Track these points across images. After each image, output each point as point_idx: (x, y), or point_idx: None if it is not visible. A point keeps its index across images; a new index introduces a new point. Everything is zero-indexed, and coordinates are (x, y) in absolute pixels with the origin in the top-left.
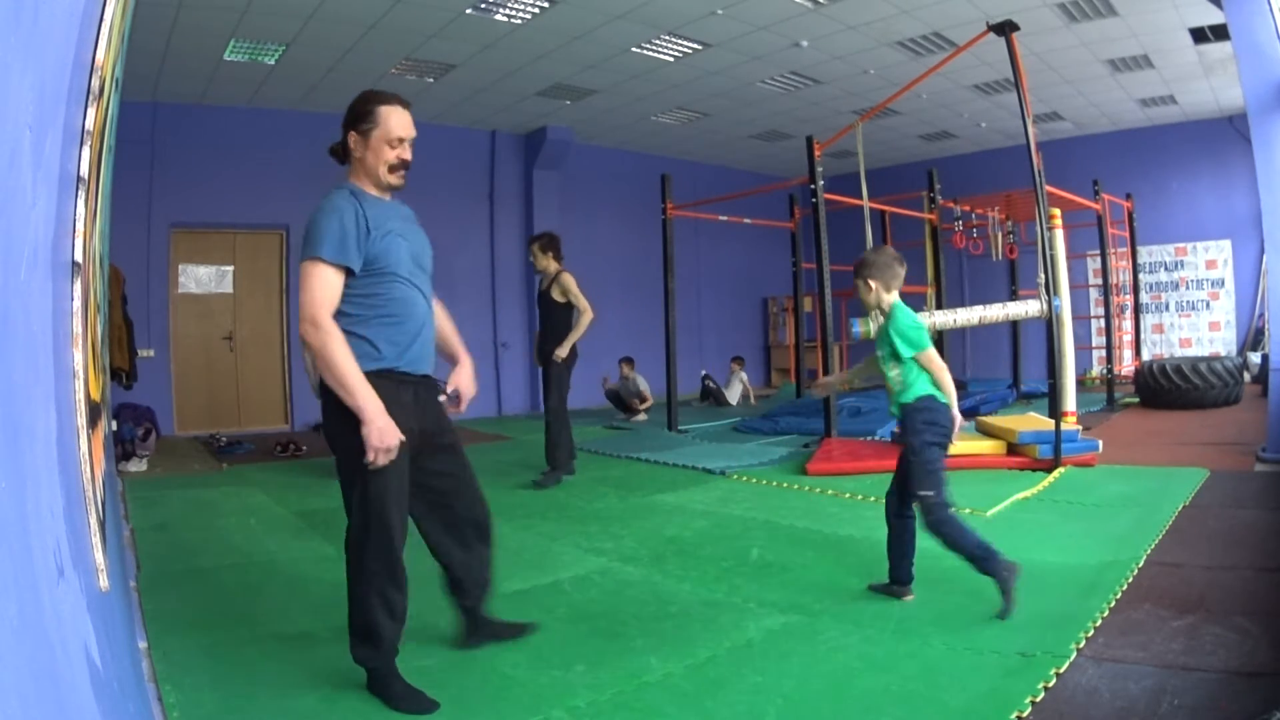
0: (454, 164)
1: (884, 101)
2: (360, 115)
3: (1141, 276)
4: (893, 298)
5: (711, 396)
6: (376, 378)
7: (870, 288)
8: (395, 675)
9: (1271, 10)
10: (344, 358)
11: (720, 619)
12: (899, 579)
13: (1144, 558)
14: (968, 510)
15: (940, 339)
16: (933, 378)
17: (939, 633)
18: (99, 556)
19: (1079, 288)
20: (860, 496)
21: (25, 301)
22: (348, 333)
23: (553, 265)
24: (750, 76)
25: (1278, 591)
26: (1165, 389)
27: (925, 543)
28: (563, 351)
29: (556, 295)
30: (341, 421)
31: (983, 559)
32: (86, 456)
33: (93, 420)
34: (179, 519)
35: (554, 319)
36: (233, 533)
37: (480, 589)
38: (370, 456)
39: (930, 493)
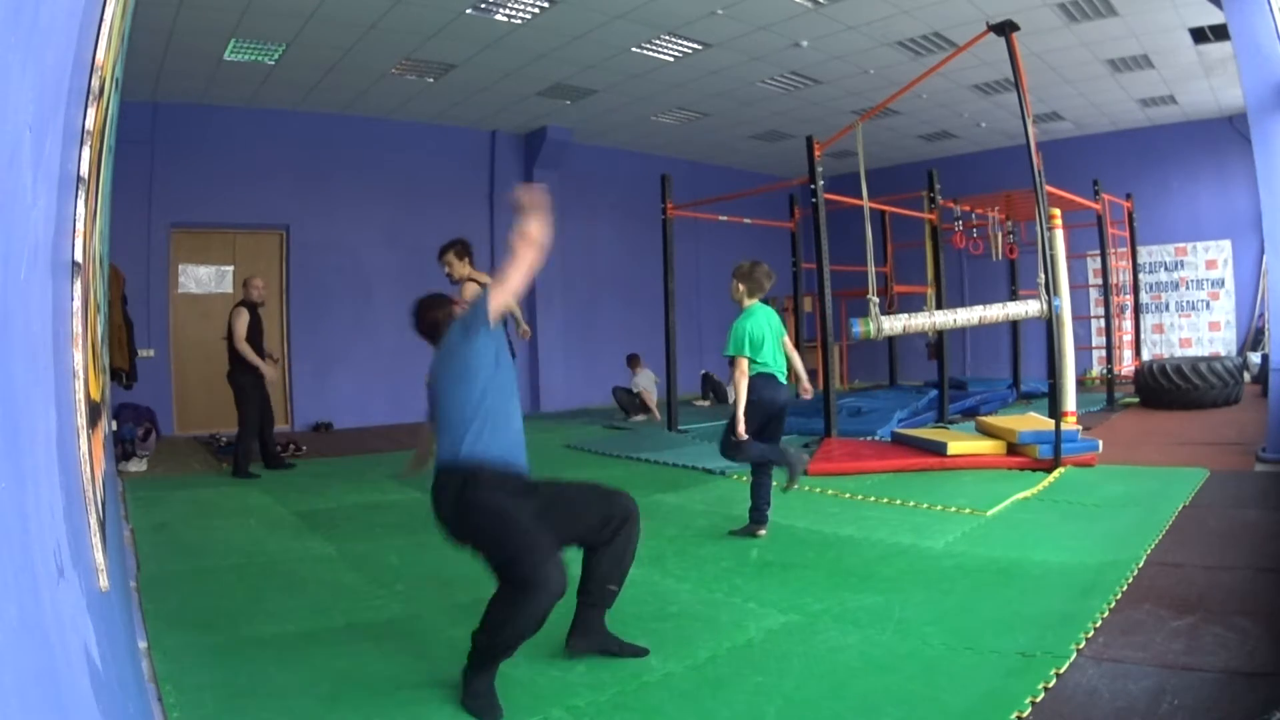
0: (454, 164)
1: (884, 101)
2: None
3: (1141, 276)
4: (751, 301)
5: (713, 392)
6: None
7: (739, 289)
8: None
9: (1271, 10)
10: None
11: (720, 619)
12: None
13: (1144, 558)
14: (968, 510)
15: (940, 339)
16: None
17: (939, 633)
18: (99, 556)
19: (1079, 288)
20: (860, 496)
21: (25, 301)
22: None
23: (469, 270)
24: (750, 76)
25: (1278, 591)
26: (1165, 389)
27: (920, 543)
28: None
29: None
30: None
31: (765, 461)
32: (86, 456)
33: (93, 420)
34: (179, 519)
35: None
36: (233, 533)
37: (599, 587)
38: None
39: (733, 437)
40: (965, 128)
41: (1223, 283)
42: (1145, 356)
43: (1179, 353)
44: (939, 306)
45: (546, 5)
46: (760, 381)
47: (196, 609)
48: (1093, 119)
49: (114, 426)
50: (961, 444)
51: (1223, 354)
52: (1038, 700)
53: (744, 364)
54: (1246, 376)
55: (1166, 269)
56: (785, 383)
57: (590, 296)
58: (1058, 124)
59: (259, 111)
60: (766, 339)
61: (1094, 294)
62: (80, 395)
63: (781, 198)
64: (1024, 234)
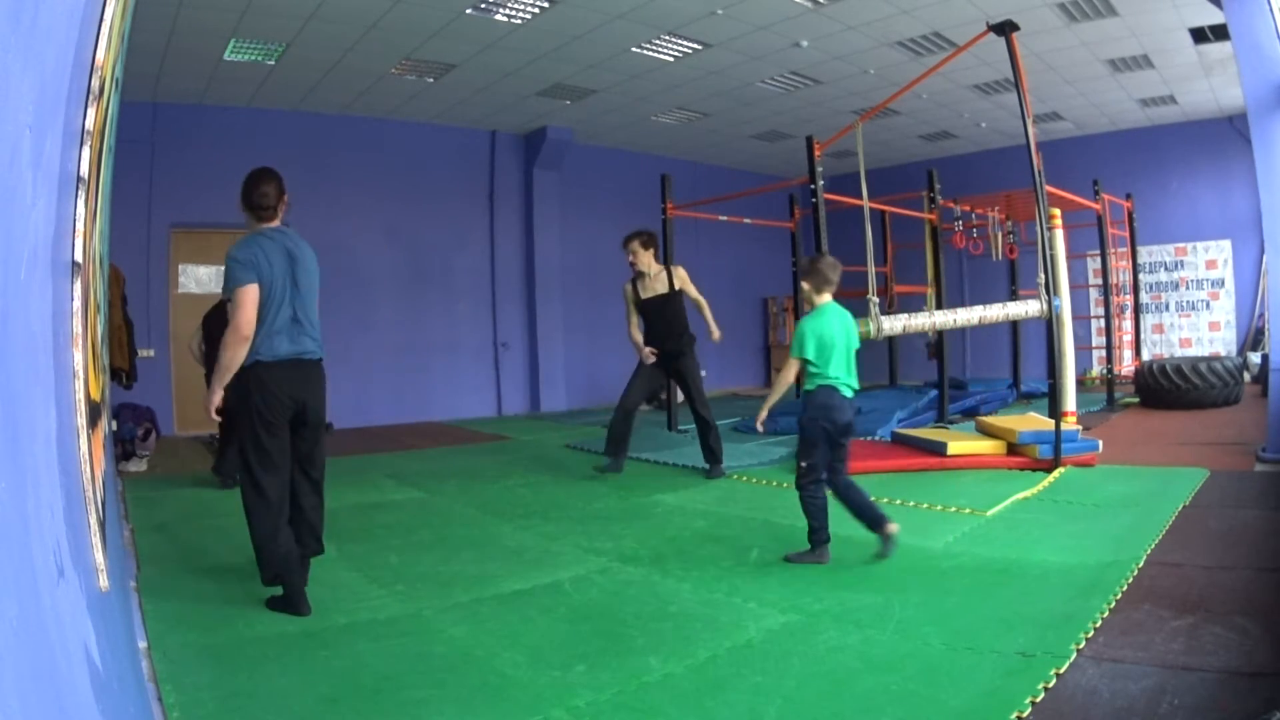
0: (454, 164)
1: (884, 101)
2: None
3: (1141, 276)
4: (822, 299)
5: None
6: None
7: (805, 289)
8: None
9: (1271, 10)
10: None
11: (720, 619)
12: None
13: (1144, 558)
14: (967, 510)
15: (941, 339)
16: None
17: (939, 633)
18: (99, 556)
19: (1079, 288)
20: None
21: (25, 301)
22: None
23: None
24: (750, 76)
25: (1278, 591)
26: (1165, 389)
27: (920, 543)
28: (717, 333)
29: (674, 286)
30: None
31: (812, 530)
32: (86, 456)
33: (93, 420)
34: (179, 519)
35: (670, 312)
36: (233, 533)
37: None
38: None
39: (803, 463)
40: (965, 128)
41: (1223, 283)
42: (1145, 356)
43: (1179, 353)
44: (939, 306)
45: (546, 5)
46: (824, 392)
47: (196, 609)
48: (1093, 119)
49: (114, 426)
50: (961, 444)
51: (1223, 354)
52: (1038, 700)
53: (794, 366)
54: (1246, 376)
55: (1166, 269)
56: (852, 399)
57: (590, 297)
58: (1058, 124)
59: (259, 111)
60: (835, 346)
61: (1094, 294)
62: (80, 395)
63: (781, 198)
64: (1024, 234)
